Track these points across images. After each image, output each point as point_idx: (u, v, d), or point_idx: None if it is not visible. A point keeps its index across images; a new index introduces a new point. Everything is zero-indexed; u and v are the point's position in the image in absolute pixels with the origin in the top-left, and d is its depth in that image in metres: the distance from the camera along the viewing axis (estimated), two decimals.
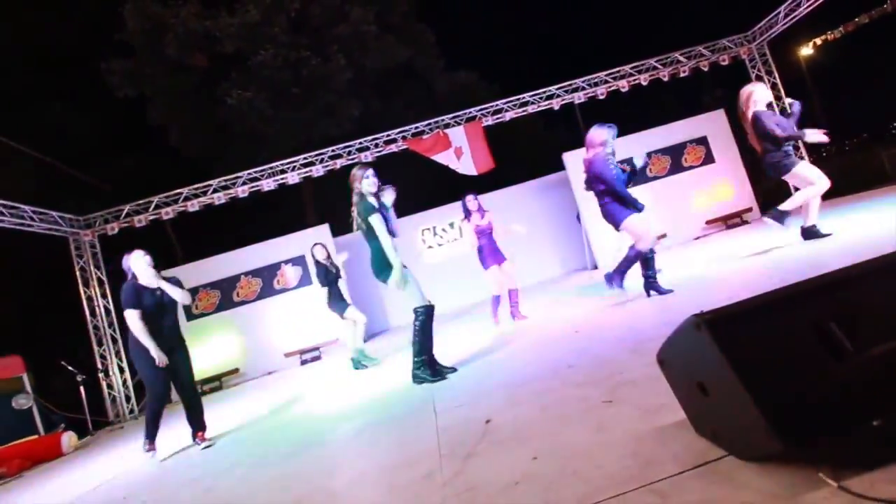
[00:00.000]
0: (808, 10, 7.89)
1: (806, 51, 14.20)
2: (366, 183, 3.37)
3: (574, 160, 9.14)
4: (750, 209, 9.44)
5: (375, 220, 3.28)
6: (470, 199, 5.09)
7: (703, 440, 1.39)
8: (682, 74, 8.99)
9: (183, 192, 8.12)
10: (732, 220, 9.26)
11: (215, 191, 8.19)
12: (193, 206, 8.06)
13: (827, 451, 1.10)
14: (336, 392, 4.37)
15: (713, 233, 9.10)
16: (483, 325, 5.46)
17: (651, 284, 4.08)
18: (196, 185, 8.18)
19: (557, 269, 9.97)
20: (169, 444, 3.97)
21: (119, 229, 7.85)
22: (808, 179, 4.34)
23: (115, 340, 7.71)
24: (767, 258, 4.29)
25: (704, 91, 19.12)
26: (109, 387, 7.45)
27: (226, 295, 8.48)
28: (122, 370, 7.66)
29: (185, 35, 10.16)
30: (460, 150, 8.34)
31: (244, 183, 8.23)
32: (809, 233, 4.41)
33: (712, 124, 9.71)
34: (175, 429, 4.57)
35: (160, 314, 3.56)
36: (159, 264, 3.78)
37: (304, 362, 8.02)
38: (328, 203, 12.94)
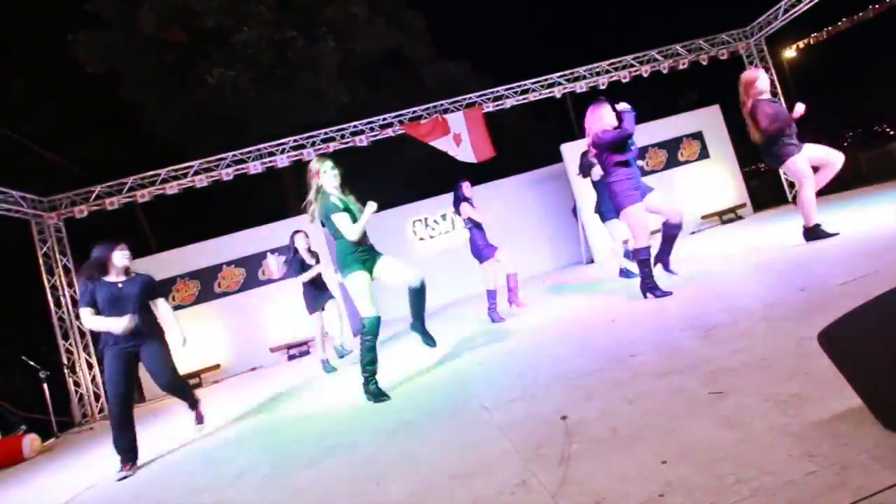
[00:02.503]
0: (807, 6, 7.90)
1: (789, 53, 14.49)
2: (325, 178, 3.14)
3: (572, 152, 8.95)
4: (743, 205, 9.49)
5: (339, 219, 3.04)
6: (465, 185, 4.89)
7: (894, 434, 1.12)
8: (681, 67, 8.91)
9: (160, 173, 7.49)
10: (727, 215, 9.28)
11: (196, 173, 7.59)
12: (172, 188, 7.44)
13: None
14: (343, 388, 3.98)
15: (708, 227, 9.09)
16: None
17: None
18: (175, 167, 7.56)
19: (551, 263, 9.77)
20: (155, 446, 3.52)
21: (88, 213, 7.17)
22: (802, 173, 4.08)
23: (83, 333, 7.04)
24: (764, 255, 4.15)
25: (679, 93, 19.29)
26: (76, 384, 6.79)
27: (206, 285, 7.91)
28: (90, 366, 7.00)
29: (163, 8, 9.43)
30: (459, 137, 8.01)
31: (229, 165, 7.66)
32: (813, 233, 4.11)
33: (708, 119, 9.71)
34: (157, 428, 4.10)
35: (117, 307, 3.16)
36: (132, 252, 3.41)
37: (291, 357, 7.55)
38: None
